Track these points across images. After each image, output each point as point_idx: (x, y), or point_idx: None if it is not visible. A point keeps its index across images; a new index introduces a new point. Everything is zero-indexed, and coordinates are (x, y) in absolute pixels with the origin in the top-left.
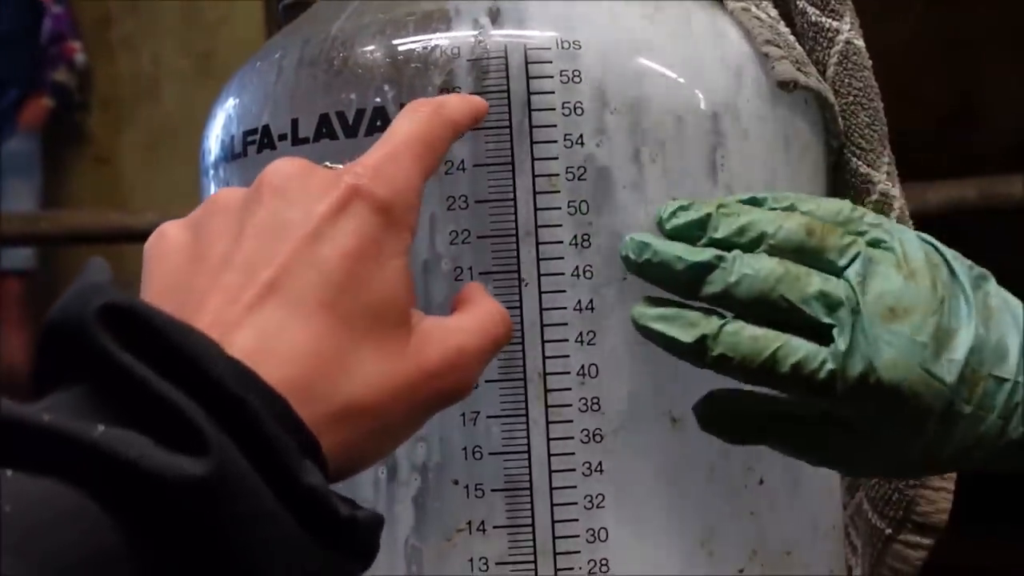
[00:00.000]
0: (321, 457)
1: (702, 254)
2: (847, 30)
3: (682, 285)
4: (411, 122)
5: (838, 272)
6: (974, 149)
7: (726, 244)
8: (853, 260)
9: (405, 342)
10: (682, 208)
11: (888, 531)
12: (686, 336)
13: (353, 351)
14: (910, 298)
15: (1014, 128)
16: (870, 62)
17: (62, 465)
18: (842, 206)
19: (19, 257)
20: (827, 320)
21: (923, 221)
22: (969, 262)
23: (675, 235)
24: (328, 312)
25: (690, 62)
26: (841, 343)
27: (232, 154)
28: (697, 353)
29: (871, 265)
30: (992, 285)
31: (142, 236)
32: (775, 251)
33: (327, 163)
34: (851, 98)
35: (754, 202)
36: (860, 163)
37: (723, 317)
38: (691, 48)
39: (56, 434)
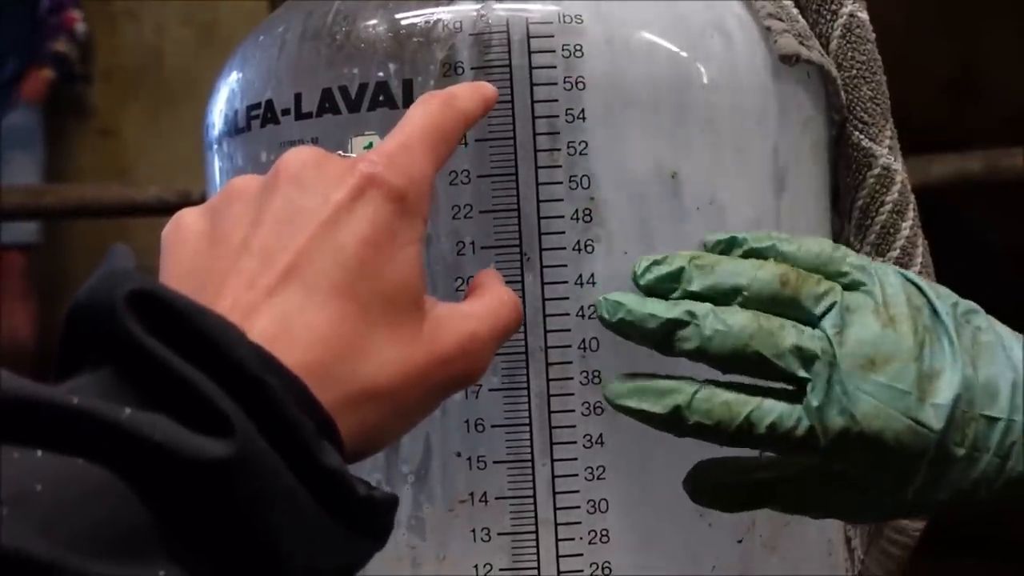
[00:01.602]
0: (338, 439)
1: (674, 310)
2: (851, 3)
3: (657, 342)
4: (424, 113)
5: (814, 322)
6: (975, 120)
7: (701, 297)
8: (829, 309)
9: (419, 327)
10: (655, 263)
11: None
12: (659, 408)
13: (369, 336)
14: (889, 346)
15: (1016, 99)
16: (873, 35)
17: (90, 445)
18: (823, 246)
19: (23, 231)
20: (802, 374)
21: (926, 194)
22: (955, 298)
23: (649, 290)
24: (345, 297)
25: (692, 36)
26: (814, 399)
27: (236, 128)
28: (673, 423)
29: (848, 314)
30: (982, 319)
31: (146, 210)
32: (749, 303)
33: (340, 152)
34: (854, 71)
35: (733, 243)
36: (862, 137)
37: (698, 382)
38: (693, 22)
39: (85, 415)
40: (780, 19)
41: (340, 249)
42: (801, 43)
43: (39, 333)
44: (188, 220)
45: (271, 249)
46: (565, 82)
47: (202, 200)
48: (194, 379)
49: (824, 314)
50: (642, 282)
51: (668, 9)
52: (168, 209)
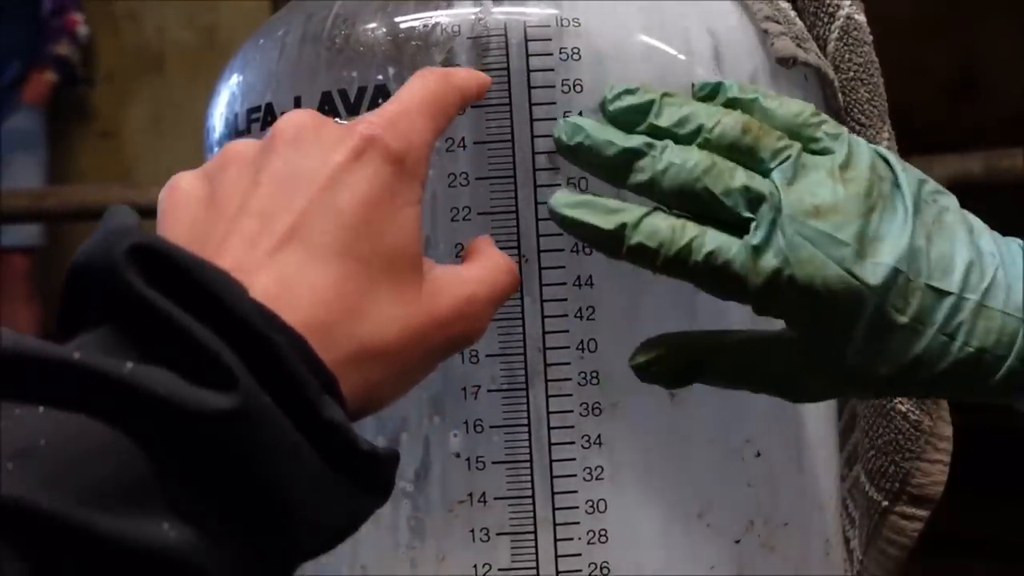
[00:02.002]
0: (341, 396)
1: (633, 140)
2: (848, 5)
3: (611, 171)
4: (422, 84)
5: (766, 173)
6: (975, 120)
7: (664, 134)
8: (783, 162)
9: (418, 288)
10: (627, 92)
11: (884, 503)
12: (606, 223)
13: (370, 295)
14: (835, 199)
15: (1016, 99)
16: (871, 37)
17: (93, 400)
18: (804, 108)
19: (26, 234)
20: (746, 214)
21: None
22: (926, 178)
23: (615, 119)
24: (345, 257)
25: (689, 38)
26: (754, 238)
27: (236, 131)
28: (614, 241)
29: (802, 168)
30: (951, 202)
31: (148, 212)
32: (708, 145)
33: (337, 119)
34: (851, 74)
35: (718, 89)
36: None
37: (646, 208)
38: (691, 25)
39: (87, 370)
40: (777, 21)
41: (340, 210)
42: (798, 45)
43: (42, 334)
44: (184, 183)
45: (271, 210)
46: (563, 85)
47: None
48: (197, 332)
49: (777, 168)
50: (610, 108)
51: (666, 12)
52: None
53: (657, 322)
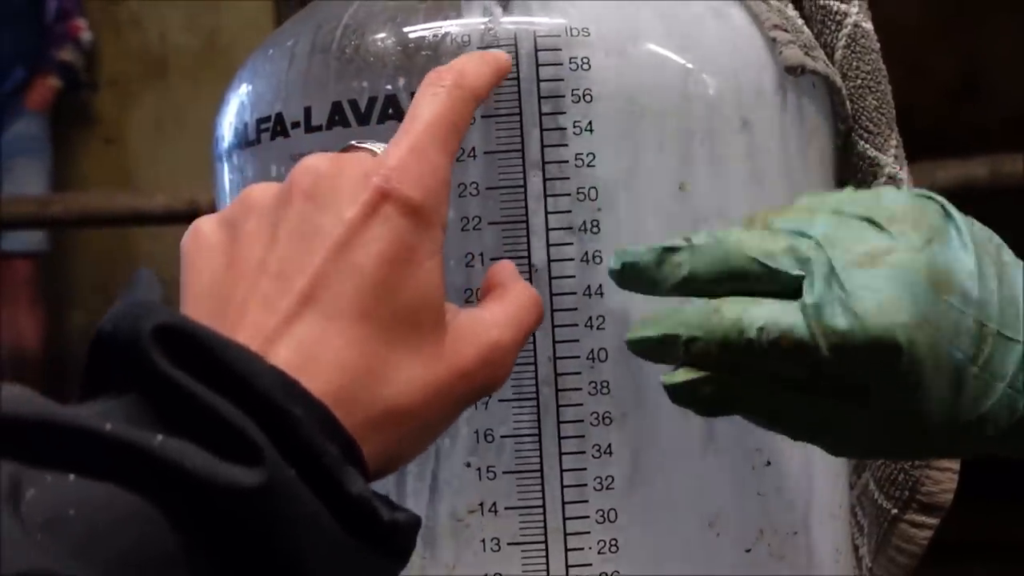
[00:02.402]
0: (363, 462)
1: (671, 240)
2: (855, 13)
3: (653, 277)
4: (432, 104)
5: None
6: (979, 122)
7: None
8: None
9: (441, 343)
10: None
11: (894, 511)
12: (654, 332)
13: (391, 357)
14: (888, 240)
15: (1019, 101)
16: (878, 45)
17: (122, 471)
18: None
19: (30, 239)
20: (797, 272)
21: None
22: (977, 223)
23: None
24: (365, 320)
25: (697, 47)
26: (809, 296)
27: (246, 141)
28: (668, 345)
29: (839, 222)
30: (1005, 246)
31: (153, 219)
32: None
33: (353, 142)
34: (859, 81)
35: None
36: (868, 146)
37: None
38: (699, 33)
39: (117, 441)
40: (785, 30)
41: (358, 270)
42: (806, 54)
43: (46, 339)
44: (205, 230)
45: (288, 271)
46: (573, 94)
47: (210, 209)
48: (222, 409)
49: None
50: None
51: (674, 21)
52: (175, 218)
53: None
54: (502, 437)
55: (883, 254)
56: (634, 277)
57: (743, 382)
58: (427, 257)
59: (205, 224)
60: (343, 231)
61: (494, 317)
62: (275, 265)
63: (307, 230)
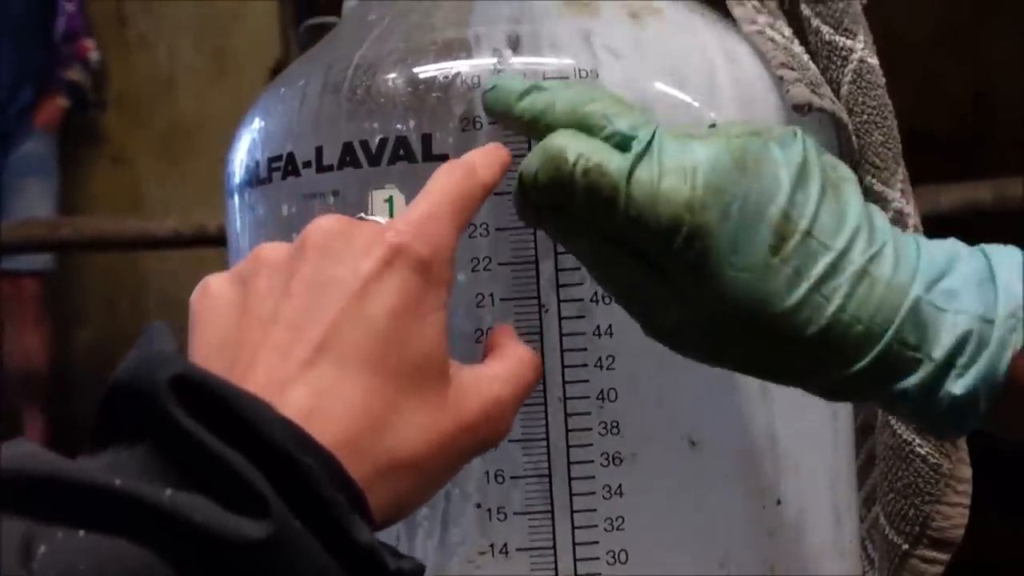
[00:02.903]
0: (369, 512)
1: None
2: (860, 48)
3: (513, 105)
4: (448, 180)
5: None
6: (992, 141)
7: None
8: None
9: (445, 395)
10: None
11: (904, 547)
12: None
13: (399, 407)
14: (716, 130)
15: None
16: (883, 80)
17: (132, 526)
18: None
19: (38, 258)
20: (630, 132)
21: (936, 223)
22: (832, 158)
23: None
24: (375, 370)
25: (705, 85)
26: (630, 151)
27: (257, 179)
28: (521, 181)
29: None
30: (852, 177)
31: (163, 243)
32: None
33: (362, 215)
34: (865, 117)
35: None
36: (875, 181)
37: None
38: (706, 71)
39: (127, 496)
40: (792, 68)
41: (371, 321)
42: (813, 91)
43: (51, 357)
44: (216, 288)
45: (302, 321)
46: None
47: (219, 234)
48: (233, 462)
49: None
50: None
51: (680, 61)
52: (184, 242)
53: (678, 370)
54: (512, 478)
55: (705, 136)
56: (498, 102)
57: (572, 221)
58: (433, 311)
59: (215, 281)
60: (358, 283)
61: (495, 373)
62: (288, 316)
63: (321, 282)
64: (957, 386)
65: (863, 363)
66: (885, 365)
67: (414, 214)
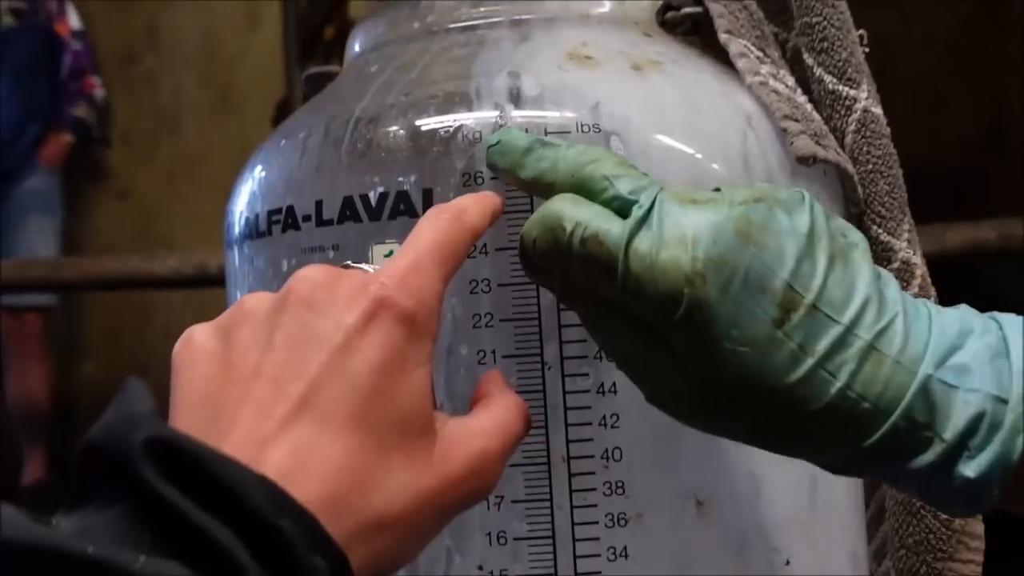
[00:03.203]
0: (350, 573)
1: (552, 138)
2: (864, 98)
3: (519, 161)
4: (433, 229)
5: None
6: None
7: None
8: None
9: (430, 451)
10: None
11: None
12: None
13: (382, 464)
14: (718, 194)
15: None
16: (888, 130)
17: None
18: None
19: (41, 295)
20: (631, 196)
21: (941, 262)
22: (843, 222)
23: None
24: (358, 426)
25: (707, 137)
26: (631, 217)
27: (257, 232)
28: (522, 246)
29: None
30: (863, 243)
31: (165, 282)
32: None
33: (349, 262)
34: (870, 166)
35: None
36: (880, 231)
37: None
38: (709, 123)
39: (100, 565)
40: (795, 119)
41: (353, 377)
42: (817, 142)
43: (54, 392)
44: (199, 339)
45: (284, 377)
46: None
47: (219, 274)
48: (208, 527)
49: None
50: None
51: (683, 112)
52: (185, 283)
53: (683, 427)
54: (515, 539)
55: (707, 200)
56: (501, 158)
57: (573, 287)
58: (418, 365)
59: (198, 332)
60: (340, 337)
61: (481, 426)
62: (270, 370)
63: (304, 336)
64: (970, 468)
65: (870, 441)
66: (894, 443)
67: (399, 265)
